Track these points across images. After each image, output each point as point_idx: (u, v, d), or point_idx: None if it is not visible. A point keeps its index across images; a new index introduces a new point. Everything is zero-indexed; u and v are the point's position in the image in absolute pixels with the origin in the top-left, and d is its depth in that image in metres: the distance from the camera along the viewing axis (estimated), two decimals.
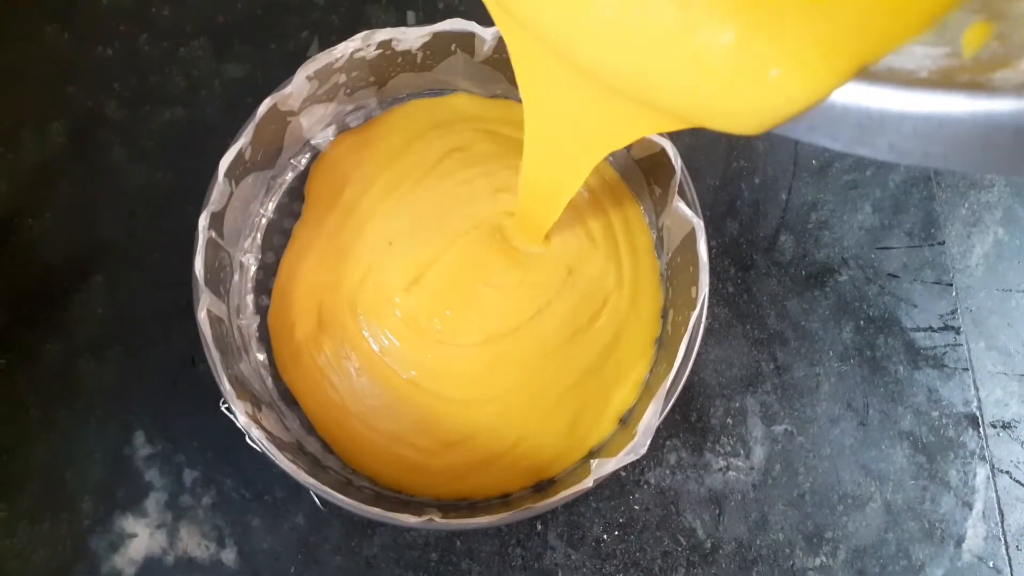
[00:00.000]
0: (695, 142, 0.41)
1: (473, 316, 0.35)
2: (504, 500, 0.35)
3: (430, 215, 0.37)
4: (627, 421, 0.36)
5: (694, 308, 0.33)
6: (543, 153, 0.27)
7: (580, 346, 0.36)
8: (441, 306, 0.35)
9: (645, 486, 0.38)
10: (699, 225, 0.33)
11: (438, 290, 0.35)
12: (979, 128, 0.14)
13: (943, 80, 0.15)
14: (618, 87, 0.17)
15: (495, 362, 0.35)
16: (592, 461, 0.32)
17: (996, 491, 0.39)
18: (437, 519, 0.30)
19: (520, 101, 0.30)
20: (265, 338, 0.37)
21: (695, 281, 0.33)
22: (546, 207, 0.31)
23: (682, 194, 0.34)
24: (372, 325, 0.35)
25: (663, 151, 0.34)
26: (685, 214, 0.33)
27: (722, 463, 0.38)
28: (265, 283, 0.37)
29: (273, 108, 0.33)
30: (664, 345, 0.37)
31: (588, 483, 0.31)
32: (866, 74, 0.15)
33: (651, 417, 0.31)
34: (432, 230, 0.36)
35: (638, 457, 0.31)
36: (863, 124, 0.15)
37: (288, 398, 0.36)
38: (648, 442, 0.31)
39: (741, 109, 0.15)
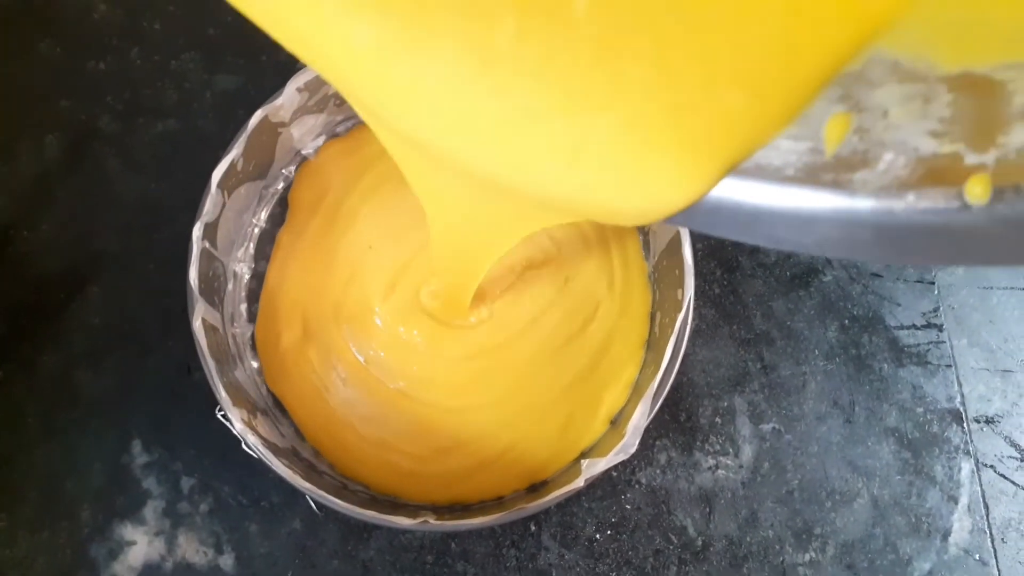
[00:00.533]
0: None
1: (457, 329, 0.36)
2: (497, 501, 0.35)
3: (411, 218, 0.37)
4: (617, 422, 0.37)
5: (680, 310, 0.33)
6: (448, 244, 0.26)
7: (572, 352, 0.37)
8: (418, 316, 0.36)
9: (636, 486, 0.38)
10: (684, 229, 0.34)
11: (415, 298, 0.36)
12: (843, 225, 0.15)
13: (808, 178, 0.15)
14: (504, 188, 0.17)
15: (484, 372, 0.36)
16: (583, 461, 0.33)
17: (981, 485, 0.40)
18: (431, 521, 0.31)
19: None
20: None
21: (681, 284, 0.34)
22: (460, 288, 0.31)
23: None
24: (355, 334, 0.36)
25: None
26: None
27: (711, 462, 0.39)
28: (258, 292, 0.38)
29: (264, 120, 0.34)
30: (652, 347, 0.37)
31: (579, 483, 0.31)
32: (738, 171, 0.15)
33: (639, 418, 0.32)
34: (413, 234, 0.37)
35: (627, 457, 0.31)
36: (739, 218, 0.16)
37: (282, 405, 0.37)
38: (637, 442, 0.32)
39: (622, 209, 0.15)
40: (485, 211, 0.21)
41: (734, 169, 0.15)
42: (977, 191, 0.14)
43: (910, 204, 0.15)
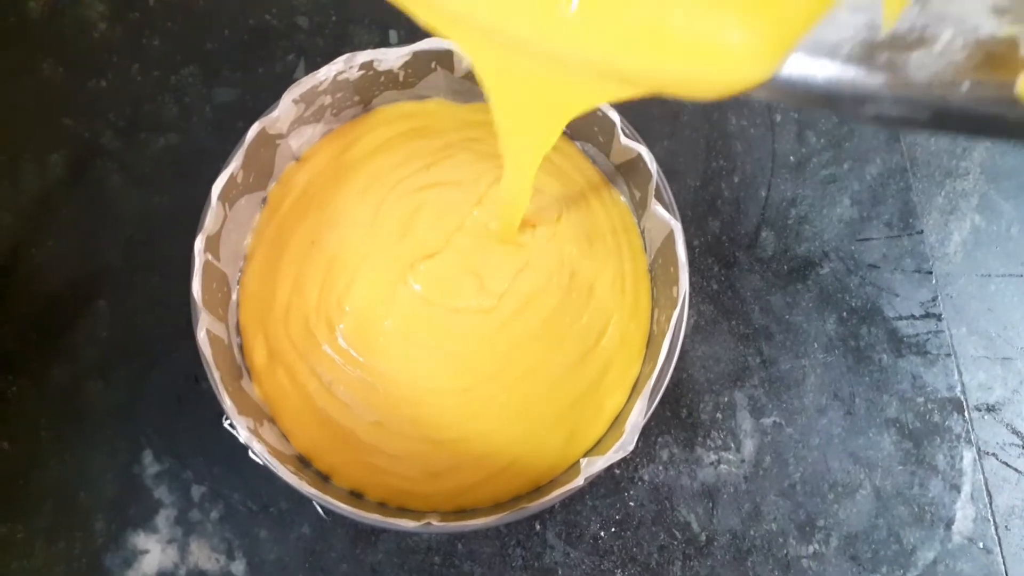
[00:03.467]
0: (674, 144, 0.43)
1: (442, 355, 0.35)
2: (499, 502, 0.36)
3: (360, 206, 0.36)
4: (618, 420, 0.37)
5: (676, 307, 0.34)
6: (513, 120, 0.26)
7: (584, 367, 0.36)
8: (380, 339, 0.35)
9: (639, 483, 0.39)
10: (677, 227, 0.34)
11: (373, 315, 0.35)
12: (900, 105, 0.16)
13: (865, 56, 0.15)
14: (598, 73, 0.18)
15: (483, 407, 0.35)
16: (582, 460, 0.33)
17: (983, 473, 0.40)
18: (435, 523, 0.31)
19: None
20: None
21: (676, 281, 0.34)
22: (522, 176, 0.30)
23: (659, 197, 0.35)
24: (309, 355, 0.35)
25: (639, 156, 0.35)
26: (663, 216, 0.34)
27: (713, 457, 0.39)
28: None
29: (262, 132, 0.35)
30: (651, 344, 0.38)
31: (579, 481, 0.32)
32: (802, 47, 0.16)
33: (637, 415, 0.32)
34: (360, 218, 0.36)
35: (627, 454, 0.32)
36: (811, 92, 0.17)
37: None
38: (635, 439, 0.32)
39: (710, 80, 0.17)
40: (560, 86, 0.22)
41: (797, 40, 0.15)
42: None
43: (964, 93, 0.15)
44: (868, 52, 0.15)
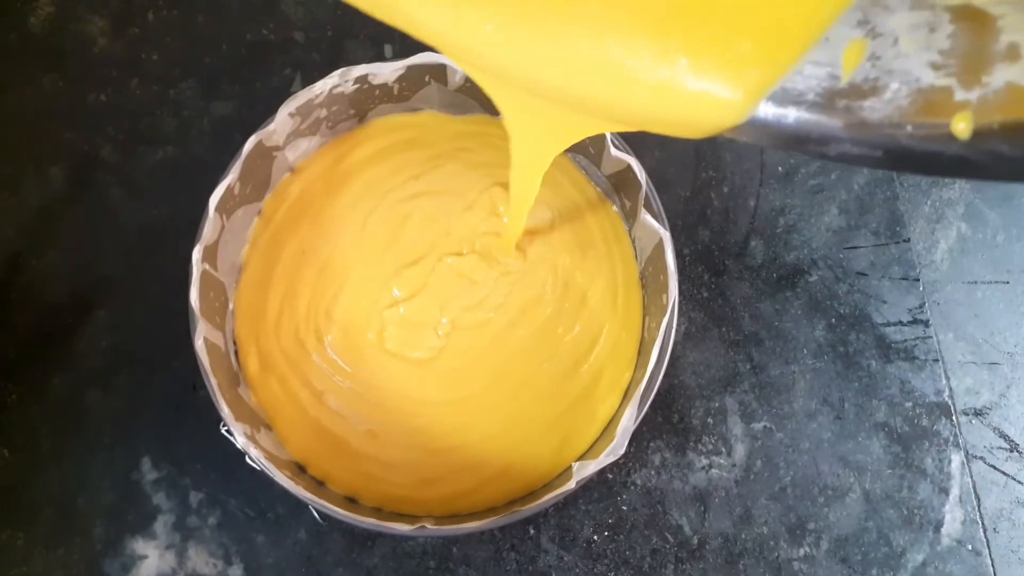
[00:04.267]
0: (664, 155, 0.43)
1: (433, 369, 0.36)
2: (492, 507, 0.36)
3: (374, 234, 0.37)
4: (611, 425, 0.38)
5: (665, 314, 0.34)
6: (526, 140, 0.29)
7: (577, 376, 0.37)
8: (367, 350, 0.35)
9: (632, 487, 0.39)
10: (666, 236, 0.35)
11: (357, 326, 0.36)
12: (857, 145, 0.18)
13: (827, 102, 0.18)
14: (591, 112, 0.21)
15: (477, 417, 0.36)
16: (573, 464, 0.34)
17: (971, 476, 0.40)
18: (429, 526, 0.32)
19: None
20: None
21: (666, 288, 0.35)
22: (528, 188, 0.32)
23: (649, 207, 0.36)
24: (299, 365, 0.35)
25: (629, 167, 0.35)
26: (653, 225, 0.35)
27: (705, 461, 0.40)
28: None
29: (258, 144, 0.35)
30: (642, 351, 0.38)
31: (571, 485, 0.32)
32: (772, 97, 0.18)
33: (628, 420, 0.33)
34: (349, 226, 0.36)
35: (617, 458, 0.32)
36: (781, 135, 0.19)
37: None
38: (626, 444, 0.32)
39: (693, 123, 0.19)
40: (565, 119, 0.25)
41: (770, 89, 0.18)
42: (961, 127, 0.16)
43: (909, 133, 0.17)
44: (829, 99, 0.18)
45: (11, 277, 0.41)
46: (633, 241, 0.39)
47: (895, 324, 0.42)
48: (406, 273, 0.36)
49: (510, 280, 0.37)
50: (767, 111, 0.18)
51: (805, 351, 0.41)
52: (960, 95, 0.16)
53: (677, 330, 0.36)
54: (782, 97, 0.18)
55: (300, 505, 0.37)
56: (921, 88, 0.17)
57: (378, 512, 0.35)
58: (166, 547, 0.38)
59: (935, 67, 0.17)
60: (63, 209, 0.42)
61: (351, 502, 0.36)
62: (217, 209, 0.34)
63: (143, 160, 0.42)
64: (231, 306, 0.38)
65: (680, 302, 0.39)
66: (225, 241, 0.36)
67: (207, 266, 0.35)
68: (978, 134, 0.16)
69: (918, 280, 0.43)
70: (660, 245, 0.35)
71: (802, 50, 0.18)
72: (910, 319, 0.42)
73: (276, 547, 0.38)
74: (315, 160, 0.39)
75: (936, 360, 0.42)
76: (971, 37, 0.16)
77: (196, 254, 0.34)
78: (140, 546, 0.38)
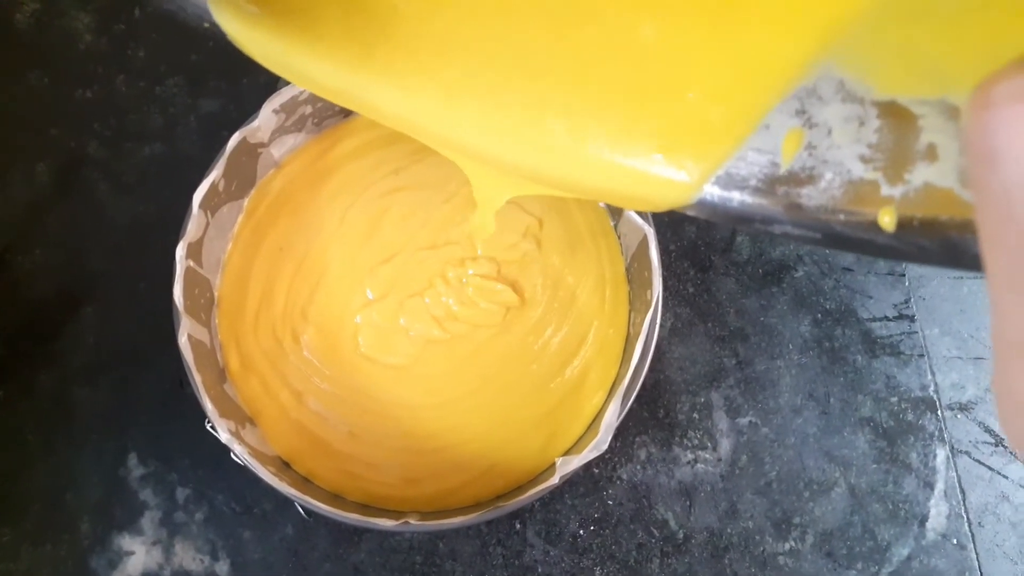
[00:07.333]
0: None
1: (415, 375, 0.36)
2: (477, 502, 0.36)
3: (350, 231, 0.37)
4: (596, 421, 0.38)
5: (649, 309, 0.34)
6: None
7: (565, 375, 0.37)
8: (345, 353, 0.35)
9: (618, 482, 0.40)
10: (651, 232, 0.35)
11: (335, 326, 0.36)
12: (797, 227, 0.19)
13: (768, 188, 0.19)
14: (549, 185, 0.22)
15: (462, 419, 0.36)
16: (557, 460, 0.34)
17: (956, 471, 0.41)
18: (412, 521, 0.32)
19: None
20: None
21: (650, 284, 0.35)
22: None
23: None
24: (282, 369, 0.36)
25: None
26: (637, 222, 0.35)
27: (690, 456, 0.40)
28: None
29: (243, 141, 0.35)
30: (628, 347, 0.38)
31: (554, 480, 0.32)
32: (717, 181, 0.19)
33: (611, 416, 0.33)
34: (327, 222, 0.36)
35: (600, 453, 0.32)
36: (726, 213, 0.20)
37: None
38: (609, 439, 0.33)
39: (643, 201, 0.21)
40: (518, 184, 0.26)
41: (715, 173, 0.19)
42: (886, 220, 0.17)
43: (842, 221, 0.18)
44: (770, 185, 0.19)
45: None
46: (619, 237, 0.39)
47: (881, 319, 0.42)
48: (380, 271, 0.37)
49: (502, 285, 0.37)
50: (713, 193, 0.19)
51: (791, 346, 0.42)
52: (886, 190, 0.17)
53: (663, 326, 0.36)
54: (727, 182, 0.19)
55: (286, 501, 0.37)
56: (852, 180, 0.18)
57: (364, 508, 0.35)
58: (153, 543, 0.38)
59: (864, 160, 0.17)
60: (50, 206, 0.42)
61: (336, 498, 0.36)
62: (201, 206, 0.34)
63: (130, 157, 0.42)
64: (215, 300, 0.38)
65: (666, 298, 0.39)
66: (211, 238, 0.36)
67: (191, 263, 0.35)
68: (902, 227, 0.17)
69: (904, 275, 0.43)
70: (645, 241, 0.35)
71: (736, 144, 0.19)
72: (896, 314, 0.42)
73: (262, 543, 0.38)
74: (298, 156, 0.39)
75: (922, 355, 0.42)
76: (896, 134, 0.17)
77: (180, 251, 0.34)
78: (127, 542, 0.38)
